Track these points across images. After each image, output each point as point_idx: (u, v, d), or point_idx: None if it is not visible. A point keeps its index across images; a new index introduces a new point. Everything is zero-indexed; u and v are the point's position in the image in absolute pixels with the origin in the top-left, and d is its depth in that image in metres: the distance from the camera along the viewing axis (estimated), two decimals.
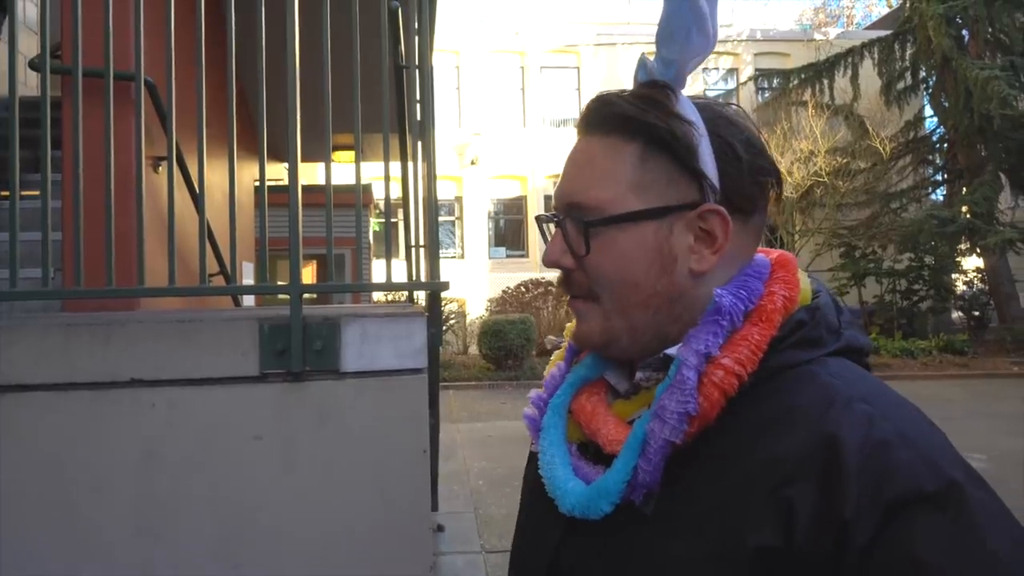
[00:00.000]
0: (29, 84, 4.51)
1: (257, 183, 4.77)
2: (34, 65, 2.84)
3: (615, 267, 0.72)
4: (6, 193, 1.94)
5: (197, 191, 2.15)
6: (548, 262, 0.77)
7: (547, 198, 20.51)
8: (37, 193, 1.97)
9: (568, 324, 0.91)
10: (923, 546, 0.56)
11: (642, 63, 0.76)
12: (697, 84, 19.19)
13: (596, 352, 0.79)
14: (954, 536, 0.57)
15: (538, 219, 0.83)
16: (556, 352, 0.90)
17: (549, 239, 0.80)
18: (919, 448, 0.61)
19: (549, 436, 0.78)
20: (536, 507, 0.82)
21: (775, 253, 0.78)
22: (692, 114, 0.72)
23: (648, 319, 0.73)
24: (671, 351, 0.71)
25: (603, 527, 0.71)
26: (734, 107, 0.77)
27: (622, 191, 0.72)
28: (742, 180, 0.72)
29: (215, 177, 4.59)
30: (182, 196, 3.39)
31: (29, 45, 4.48)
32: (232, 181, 2.07)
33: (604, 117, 0.74)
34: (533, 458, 0.90)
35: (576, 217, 0.73)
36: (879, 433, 0.61)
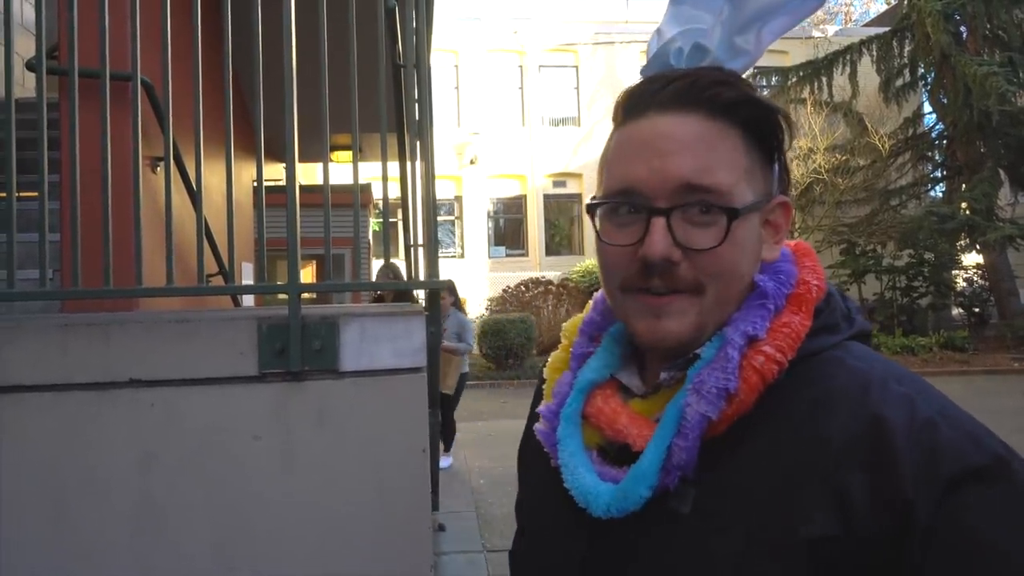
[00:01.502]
0: (27, 86, 4.51)
1: (255, 183, 4.76)
2: (31, 66, 2.83)
3: (732, 257, 0.68)
4: (3, 195, 1.93)
5: (195, 190, 2.14)
6: (658, 256, 0.66)
7: (546, 197, 20.52)
8: (35, 195, 1.96)
9: (567, 323, 0.88)
10: (980, 519, 0.58)
11: (692, 48, 0.74)
12: None
13: (673, 349, 0.71)
14: (1008, 507, 0.58)
15: (597, 205, 0.72)
16: (554, 355, 0.87)
17: (601, 228, 0.72)
18: (961, 425, 0.62)
19: (568, 447, 0.75)
20: (547, 523, 0.80)
21: (791, 243, 0.78)
22: None
23: (733, 310, 0.71)
24: (699, 351, 0.70)
25: (637, 529, 0.69)
26: None
27: (739, 179, 0.68)
28: (789, 173, 0.76)
29: (213, 178, 4.59)
30: (181, 196, 3.39)
31: (26, 46, 4.47)
32: (230, 181, 2.06)
33: (711, 97, 0.67)
34: (531, 472, 0.88)
35: (705, 203, 0.66)
36: (923, 412, 0.62)
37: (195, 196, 2.12)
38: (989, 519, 0.57)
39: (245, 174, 6.62)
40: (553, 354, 0.88)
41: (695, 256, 0.67)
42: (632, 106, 0.71)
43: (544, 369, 0.88)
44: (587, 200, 0.74)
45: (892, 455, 0.59)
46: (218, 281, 4.11)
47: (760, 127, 0.70)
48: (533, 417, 0.88)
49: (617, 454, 0.73)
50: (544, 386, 0.86)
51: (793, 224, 17.66)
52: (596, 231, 0.73)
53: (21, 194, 2.10)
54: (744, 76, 0.74)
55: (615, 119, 0.74)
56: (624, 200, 0.69)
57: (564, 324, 0.88)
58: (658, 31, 0.77)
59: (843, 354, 0.69)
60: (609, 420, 0.73)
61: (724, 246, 0.66)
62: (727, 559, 0.63)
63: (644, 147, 0.68)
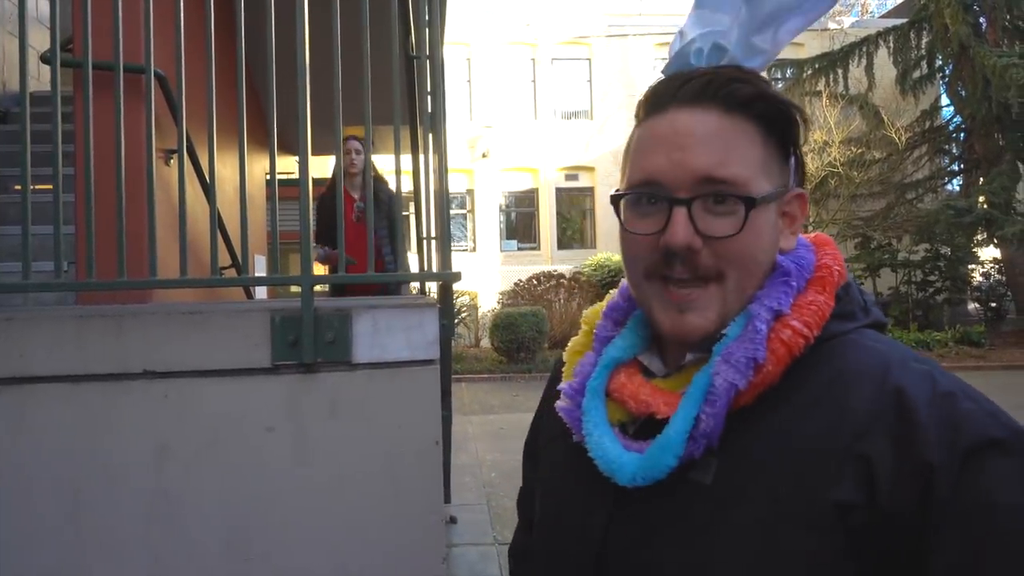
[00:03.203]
0: (43, 79, 4.54)
1: (268, 176, 4.78)
2: (46, 59, 2.85)
3: (753, 246, 0.71)
4: (18, 187, 1.95)
5: (208, 183, 2.15)
6: (680, 244, 0.69)
7: (558, 190, 20.46)
8: (50, 187, 1.97)
9: (588, 311, 0.90)
10: (1000, 488, 0.59)
11: (711, 47, 0.77)
12: None
13: (696, 340, 0.74)
14: None
15: (621, 196, 0.75)
16: (574, 340, 0.89)
17: (625, 218, 0.75)
18: (980, 400, 0.64)
19: (592, 418, 0.77)
20: (566, 498, 0.82)
21: (811, 235, 0.82)
22: None
23: (753, 295, 0.73)
24: (724, 331, 0.73)
25: (661, 500, 0.71)
26: None
27: (756, 171, 0.72)
28: (804, 166, 0.79)
29: (227, 170, 4.60)
30: (194, 189, 3.41)
31: (41, 39, 4.50)
32: (243, 174, 2.07)
33: (728, 93, 0.71)
34: (543, 457, 0.90)
35: (722, 193, 0.69)
36: (943, 386, 0.64)
37: (208, 189, 2.13)
38: (1007, 484, 0.59)
39: (258, 167, 6.65)
40: (573, 339, 0.90)
41: (715, 244, 0.70)
42: (654, 103, 0.75)
43: (563, 353, 0.91)
44: (611, 192, 0.77)
45: (915, 425, 0.62)
46: (231, 274, 4.13)
47: (776, 122, 0.73)
48: (548, 400, 0.91)
49: (639, 430, 0.75)
50: (563, 369, 0.88)
51: (808, 218, 17.53)
52: (620, 221, 0.76)
53: (36, 187, 2.11)
54: (761, 73, 0.76)
55: (637, 115, 0.78)
56: (647, 191, 0.73)
57: (585, 312, 0.90)
58: (680, 32, 0.82)
59: (860, 338, 0.72)
60: (633, 393, 0.75)
61: (743, 234, 0.70)
62: (751, 528, 0.65)
63: (665, 141, 0.72)
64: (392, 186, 4.22)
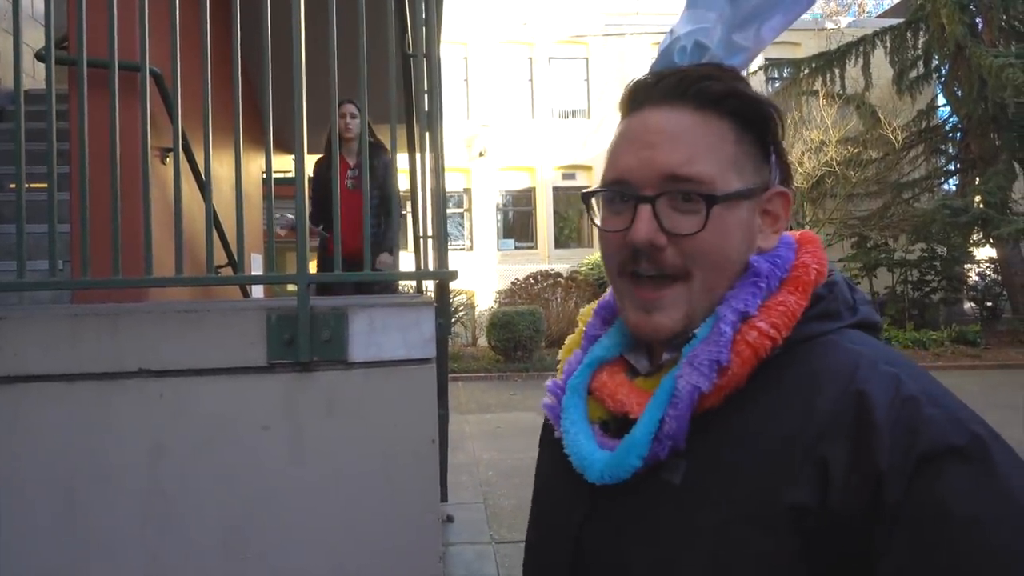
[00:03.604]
0: (38, 77, 4.52)
1: (264, 174, 4.77)
2: (41, 57, 2.84)
3: (719, 244, 0.71)
4: (13, 186, 1.94)
5: (204, 181, 2.14)
6: (642, 240, 0.71)
7: (556, 189, 20.45)
8: (45, 186, 1.96)
9: (584, 309, 0.91)
10: (953, 496, 0.58)
11: (692, 45, 0.77)
12: None
13: (664, 340, 0.75)
14: (982, 486, 0.58)
15: (592, 195, 0.77)
16: (570, 338, 0.90)
17: (601, 216, 0.77)
18: (944, 405, 0.63)
19: (570, 415, 0.79)
20: (554, 493, 0.83)
21: (798, 232, 0.80)
22: None
23: (723, 295, 0.73)
24: (696, 331, 0.73)
25: (631, 499, 0.72)
26: None
27: (726, 168, 0.71)
28: (788, 164, 0.78)
29: (223, 169, 4.59)
30: (190, 187, 3.39)
31: (36, 37, 4.49)
32: (239, 172, 2.06)
33: (699, 91, 0.72)
34: (545, 452, 0.91)
35: (686, 192, 0.70)
36: (907, 390, 0.63)
37: (204, 187, 2.12)
38: (958, 492, 0.58)
39: (254, 165, 6.63)
40: (569, 337, 0.91)
41: (680, 241, 0.71)
42: (630, 102, 0.76)
43: (560, 351, 0.92)
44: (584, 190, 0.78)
45: (871, 428, 0.61)
46: (227, 272, 4.12)
47: (751, 119, 0.73)
48: None
49: (619, 428, 0.76)
50: (558, 366, 0.90)
51: (804, 216, 17.66)
52: (591, 219, 0.78)
53: (31, 185, 2.11)
54: (740, 71, 0.77)
55: (620, 113, 0.79)
56: (616, 189, 0.74)
57: (581, 310, 0.91)
58: (671, 30, 0.82)
59: (839, 338, 0.71)
60: (611, 392, 0.76)
61: (706, 232, 0.70)
62: (712, 529, 0.65)
63: (636, 140, 0.73)
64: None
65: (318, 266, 5.04)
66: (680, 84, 0.72)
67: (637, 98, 0.75)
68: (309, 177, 4.60)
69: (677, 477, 0.69)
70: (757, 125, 0.73)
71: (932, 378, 0.67)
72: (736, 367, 0.68)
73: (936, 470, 0.59)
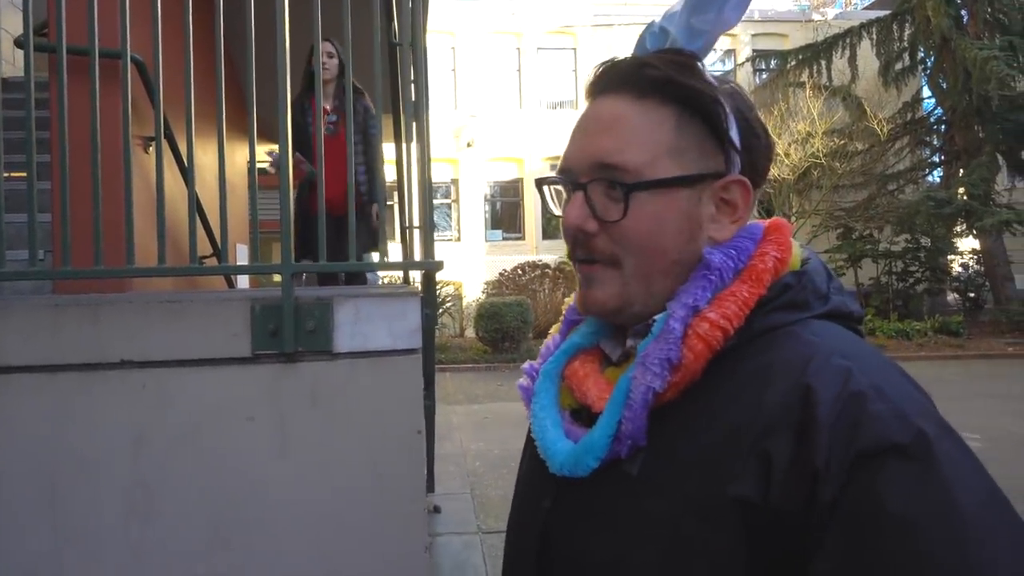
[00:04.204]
0: (17, 64, 4.46)
1: (249, 164, 4.71)
2: (20, 44, 2.79)
3: (647, 232, 0.71)
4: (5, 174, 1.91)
5: (187, 168, 2.12)
6: (570, 226, 0.73)
7: None
8: (25, 175, 1.94)
9: (567, 298, 0.90)
10: (890, 495, 0.56)
11: (658, 30, 0.76)
12: None
13: (605, 318, 0.77)
14: (921, 487, 0.57)
15: (543, 182, 0.80)
16: (555, 327, 0.90)
17: (555, 203, 0.79)
18: (892, 401, 0.61)
19: (540, 400, 0.79)
20: (530, 478, 0.83)
21: (767, 221, 0.79)
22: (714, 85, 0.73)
23: (666, 285, 0.73)
24: (652, 324, 0.72)
25: (591, 489, 0.72)
26: (733, 84, 0.77)
27: (659, 155, 0.71)
28: (758, 153, 0.75)
29: (207, 158, 4.55)
30: (173, 176, 3.36)
31: (15, 24, 4.41)
32: (222, 160, 2.04)
33: (639, 79, 0.72)
34: (529, 437, 0.90)
35: (612, 179, 0.71)
36: (854, 386, 0.61)
37: (187, 176, 2.10)
38: (896, 491, 0.56)
39: (239, 155, 6.57)
40: (554, 326, 0.91)
41: (609, 228, 0.72)
42: (587, 91, 0.78)
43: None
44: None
45: (813, 423, 0.60)
46: (213, 263, 4.09)
47: (695, 106, 0.72)
48: None
49: (588, 417, 0.75)
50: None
51: (790, 208, 17.74)
52: (544, 205, 0.81)
53: (11, 174, 2.08)
54: (700, 55, 0.74)
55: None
56: (559, 177, 0.77)
57: (567, 300, 0.91)
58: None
59: (802, 329, 0.69)
60: (579, 382, 0.77)
61: (629, 219, 0.71)
62: (663, 521, 0.65)
63: (580, 128, 0.76)
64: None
65: (296, 215, 4.46)
66: (622, 72, 0.73)
67: (590, 88, 0.77)
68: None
69: (635, 468, 0.69)
70: (701, 113, 0.72)
71: (893, 371, 0.65)
72: (689, 361, 0.67)
73: (876, 468, 0.57)
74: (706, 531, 0.63)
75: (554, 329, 0.90)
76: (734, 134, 0.72)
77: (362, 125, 4.21)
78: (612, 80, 0.74)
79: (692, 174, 0.72)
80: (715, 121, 0.72)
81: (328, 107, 4.32)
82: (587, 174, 0.73)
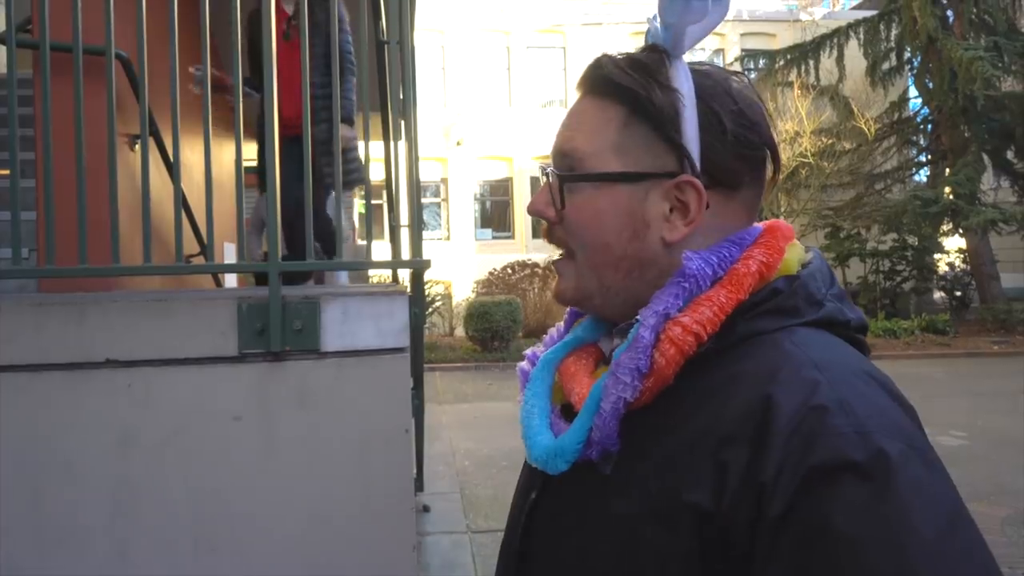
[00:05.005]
0: (0, 60, 4.41)
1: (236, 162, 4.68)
2: (2, 40, 2.76)
3: (588, 225, 0.73)
4: None
5: (173, 166, 2.10)
6: (532, 210, 0.78)
7: (533, 179, 20.42)
8: (8, 172, 1.92)
9: None
10: (838, 513, 0.55)
11: (651, 28, 0.76)
12: None
13: (575, 308, 0.82)
14: (873, 507, 0.54)
15: (541, 169, 0.84)
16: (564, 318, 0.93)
17: None
18: (856, 416, 0.58)
19: (533, 387, 0.80)
20: (526, 469, 0.83)
21: (765, 223, 0.76)
22: (683, 82, 0.71)
23: (619, 281, 0.74)
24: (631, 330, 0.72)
25: (567, 486, 0.73)
26: (738, 77, 0.75)
27: (603, 150, 0.73)
28: (725, 154, 0.71)
29: (194, 156, 4.52)
30: (159, 174, 3.33)
31: None
32: (208, 158, 2.03)
33: (596, 80, 0.75)
34: None
35: (563, 169, 0.75)
36: (818, 399, 0.59)
37: (173, 173, 2.08)
38: (846, 510, 0.54)
39: (226, 154, 6.53)
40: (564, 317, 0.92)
41: (562, 217, 0.75)
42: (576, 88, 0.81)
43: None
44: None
45: (769, 436, 0.59)
46: (200, 262, 4.06)
47: (641, 106, 0.71)
48: None
49: (574, 414, 0.75)
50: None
51: (779, 207, 17.82)
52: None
53: None
54: (670, 49, 0.72)
55: None
56: (542, 166, 0.80)
57: None
58: None
59: (785, 336, 0.67)
60: (568, 379, 0.77)
61: (570, 210, 0.74)
62: (624, 522, 0.66)
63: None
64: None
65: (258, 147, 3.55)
66: (588, 75, 0.77)
67: (576, 84, 0.80)
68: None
69: (608, 468, 0.69)
70: (648, 113, 0.71)
71: (868, 386, 0.63)
72: (661, 367, 0.66)
73: (827, 484, 0.56)
74: (662, 535, 0.62)
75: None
76: (689, 134, 0.70)
77: (324, 31, 3.30)
78: (585, 81, 0.77)
79: (632, 171, 0.72)
80: (657, 122, 0.70)
81: (290, 9, 3.59)
82: (553, 163, 0.77)
